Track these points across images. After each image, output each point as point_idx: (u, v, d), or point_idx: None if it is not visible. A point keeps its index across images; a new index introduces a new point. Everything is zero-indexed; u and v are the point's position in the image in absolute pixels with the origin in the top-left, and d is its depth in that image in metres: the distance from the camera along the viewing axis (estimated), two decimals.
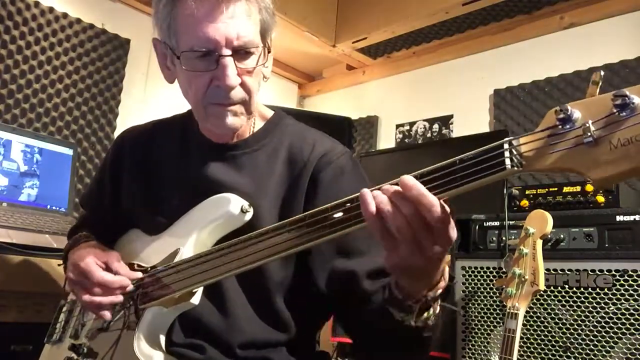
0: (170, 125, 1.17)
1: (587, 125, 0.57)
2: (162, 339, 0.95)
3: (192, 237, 0.98)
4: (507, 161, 0.61)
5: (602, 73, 0.60)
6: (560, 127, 0.59)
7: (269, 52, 1.02)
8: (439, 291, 0.77)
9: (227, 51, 0.92)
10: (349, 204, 0.72)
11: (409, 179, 0.65)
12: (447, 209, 0.66)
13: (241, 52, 0.94)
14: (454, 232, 0.67)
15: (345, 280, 0.94)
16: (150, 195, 1.11)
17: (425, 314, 0.77)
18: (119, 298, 0.99)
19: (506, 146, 0.62)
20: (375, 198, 0.66)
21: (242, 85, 0.95)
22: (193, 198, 1.03)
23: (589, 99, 0.59)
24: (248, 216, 0.96)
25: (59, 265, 1.25)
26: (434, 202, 0.64)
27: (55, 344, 1.16)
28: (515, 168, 0.61)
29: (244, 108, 0.98)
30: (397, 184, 0.67)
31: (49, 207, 1.92)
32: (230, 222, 0.96)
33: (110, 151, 1.24)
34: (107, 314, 0.99)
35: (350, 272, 0.94)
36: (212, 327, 0.97)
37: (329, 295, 0.97)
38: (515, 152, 0.62)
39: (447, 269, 0.77)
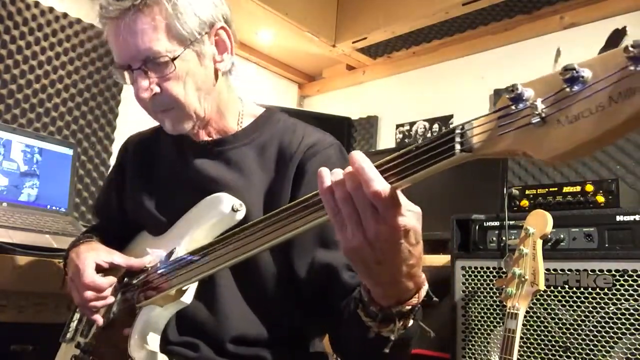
0: None
1: (535, 103, 0.54)
2: (156, 338, 0.96)
3: (186, 237, 1.00)
4: (457, 146, 0.59)
5: (561, 48, 0.57)
6: (512, 107, 0.56)
7: (218, 45, 1.04)
8: (407, 308, 0.73)
9: (135, 64, 0.97)
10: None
11: (355, 153, 0.65)
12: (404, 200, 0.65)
13: (152, 63, 0.96)
14: (404, 222, 0.64)
15: (324, 273, 0.94)
16: (152, 196, 1.13)
17: (391, 326, 0.74)
18: (109, 300, 1.00)
19: (458, 130, 0.60)
20: (332, 174, 0.67)
21: (162, 93, 0.98)
22: (190, 196, 1.05)
23: (542, 76, 0.56)
24: (239, 215, 0.96)
25: (58, 262, 1.25)
26: (373, 177, 0.62)
27: (69, 343, 1.18)
28: (464, 153, 0.59)
29: (179, 114, 1.01)
30: None
31: (49, 207, 1.91)
32: (222, 222, 0.97)
33: (116, 158, 1.29)
34: (100, 319, 1.00)
35: (329, 264, 0.94)
36: (203, 323, 0.99)
37: (311, 289, 0.98)
38: (465, 137, 0.59)
39: (424, 289, 0.74)
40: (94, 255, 1.04)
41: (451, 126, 0.58)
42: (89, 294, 0.99)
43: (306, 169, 1.01)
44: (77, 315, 1.21)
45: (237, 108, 1.12)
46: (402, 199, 0.66)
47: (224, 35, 1.04)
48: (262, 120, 1.11)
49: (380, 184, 0.62)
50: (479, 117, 0.59)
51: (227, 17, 1.05)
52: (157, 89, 0.98)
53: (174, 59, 0.96)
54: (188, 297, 0.94)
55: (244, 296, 1.01)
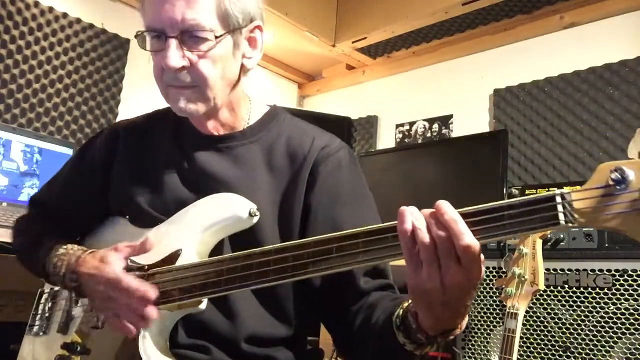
0: (165, 117, 1.16)
1: None
2: (165, 342, 0.94)
3: (194, 238, 0.94)
4: (562, 216, 0.62)
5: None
6: (614, 187, 0.60)
7: (251, 42, 1.02)
8: (451, 337, 0.77)
9: (172, 33, 0.92)
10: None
11: (444, 203, 0.66)
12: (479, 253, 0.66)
13: (191, 36, 0.93)
14: (481, 274, 0.67)
15: (341, 277, 0.91)
16: (144, 188, 1.07)
17: (429, 348, 0.78)
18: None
19: (559, 200, 0.62)
20: (413, 215, 0.67)
21: (192, 68, 0.94)
22: (188, 191, 1.02)
23: None
24: (255, 220, 0.93)
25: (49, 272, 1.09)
26: (464, 232, 0.64)
27: (39, 337, 1.12)
28: (570, 224, 0.62)
29: (199, 94, 0.97)
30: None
31: None
32: (236, 225, 0.94)
33: (102, 141, 1.18)
34: (134, 330, 0.91)
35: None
36: (215, 324, 0.96)
37: (325, 292, 0.97)
38: (569, 208, 0.62)
39: (467, 319, 0.77)
40: (118, 263, 0.94)
41: (547, 193, 0.63)
42: (138, 304, 0.88)
43: (319, 171, 1.00)
44: (43, 307, 1.14)
45: (247, 106, 1.10)
46: None
47: (258, 35, 1.03)
48: (269, 119, 1.10)
49: (470, 239, 0.64)
50: (578, 191, 0.63)
51: (263, 19, 1.05)
52: (187, 63, 0.94)
53: (217, 38, 0.94)
54: (204, 304, 0.91)
55: (257, 295, 0.98)
